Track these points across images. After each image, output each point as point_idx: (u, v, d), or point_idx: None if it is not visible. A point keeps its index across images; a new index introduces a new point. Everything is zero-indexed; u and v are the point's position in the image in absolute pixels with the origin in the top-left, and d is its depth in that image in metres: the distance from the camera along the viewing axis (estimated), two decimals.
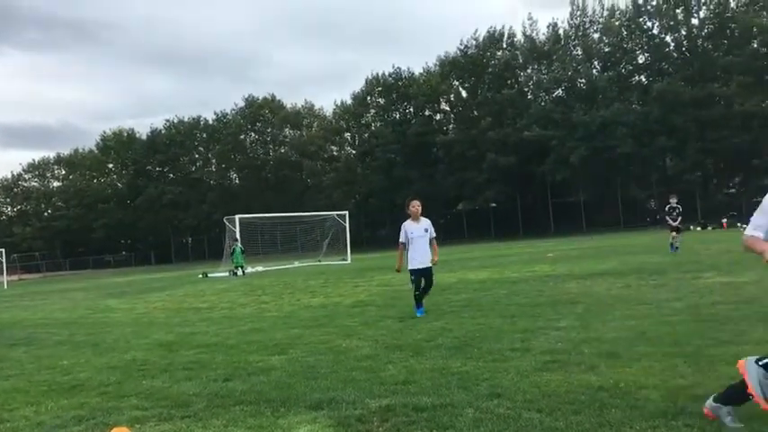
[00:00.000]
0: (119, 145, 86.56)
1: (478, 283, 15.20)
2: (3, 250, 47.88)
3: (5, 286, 42.37)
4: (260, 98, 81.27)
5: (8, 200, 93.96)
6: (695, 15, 58.16)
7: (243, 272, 29.85)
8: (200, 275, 32.11)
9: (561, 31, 63.31)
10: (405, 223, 10.48)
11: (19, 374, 7.80)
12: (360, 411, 4.98)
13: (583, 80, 61.25)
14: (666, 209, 21.29)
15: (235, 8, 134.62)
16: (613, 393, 4.92)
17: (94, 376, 7.29)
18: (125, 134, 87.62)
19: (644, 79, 61.17)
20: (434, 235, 10.52)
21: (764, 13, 54.74)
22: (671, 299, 9.95)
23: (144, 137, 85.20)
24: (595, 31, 62.48)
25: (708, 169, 57.64)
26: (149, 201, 78.99)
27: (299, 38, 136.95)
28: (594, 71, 61.22)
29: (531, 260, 22.68)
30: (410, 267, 10.31)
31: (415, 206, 10.32)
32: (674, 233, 20.51)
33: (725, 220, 42.16)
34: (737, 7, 55.87)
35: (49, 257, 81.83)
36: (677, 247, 20.04)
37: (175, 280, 31.13)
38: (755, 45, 54.76)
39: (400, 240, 10.48)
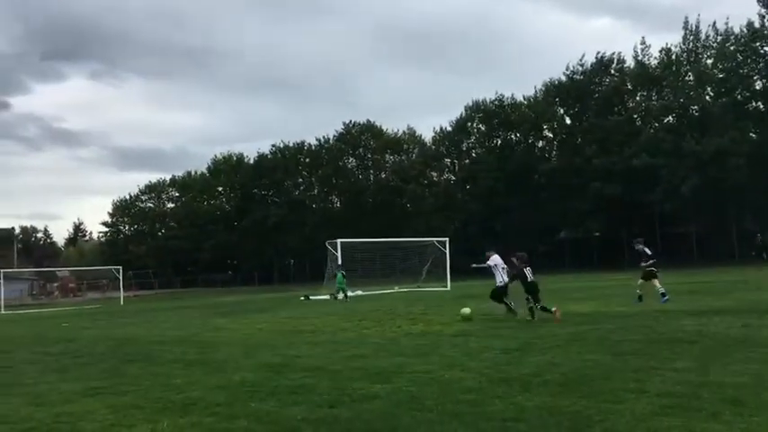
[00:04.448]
0: (228, 168, 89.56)
1: (583, 316, 14.69)
2: (120, 267, 50.81)
3: (122, 302, 44.64)
4: (357, 123, 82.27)
5: (126, 219, 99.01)
6: None
7: (345, 296, 29.75)
8: (302, 298, 32.68)
9: (674, 56, 60.92)
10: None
11: (136, 390, 8.16)
12: None
13: (695, 107, 58.61)
14: None
15: (336, 35, 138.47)
16: None
17: (206, 396, 7.53)
18: (234, 158, 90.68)
19: (761, 106, 57.83)
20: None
21: None
22: None
23: (251, 161, 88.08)
24: (709, 57, 59.76)
25: None
26: (254, 223, 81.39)
27: (401, 63, 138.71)
28: (708, 98, 58.46)
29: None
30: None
31: None
32: None
33: None
34: None
35: (162, 275, 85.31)
36: None
37: (278, 301, 31.86)
38: None
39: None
